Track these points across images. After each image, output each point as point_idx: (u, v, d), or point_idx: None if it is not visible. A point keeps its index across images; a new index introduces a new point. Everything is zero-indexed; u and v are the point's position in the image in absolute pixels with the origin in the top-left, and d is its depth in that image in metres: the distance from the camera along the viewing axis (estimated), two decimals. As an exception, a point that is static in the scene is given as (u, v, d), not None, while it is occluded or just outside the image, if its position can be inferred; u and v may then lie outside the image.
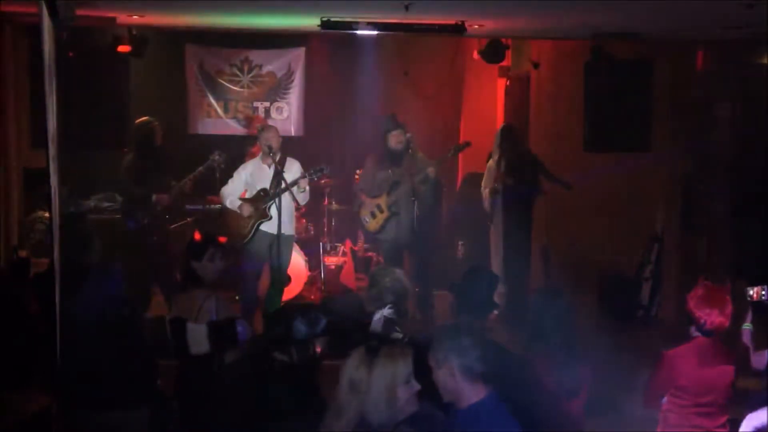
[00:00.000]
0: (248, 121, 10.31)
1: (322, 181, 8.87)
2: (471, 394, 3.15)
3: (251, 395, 3.92)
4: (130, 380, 4.78)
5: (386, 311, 4.56)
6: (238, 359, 4.68)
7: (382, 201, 8.04)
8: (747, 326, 4.68)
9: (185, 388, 5.02)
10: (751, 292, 4.69)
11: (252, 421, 3.83)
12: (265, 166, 7.67)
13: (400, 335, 4.52)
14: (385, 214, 8.04)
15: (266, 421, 3.81)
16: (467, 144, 8.40)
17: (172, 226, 8.26)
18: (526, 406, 3.57)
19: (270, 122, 9.66)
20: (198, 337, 4.89)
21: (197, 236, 5.43)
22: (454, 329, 3.32)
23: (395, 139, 7.95)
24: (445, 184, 9.60)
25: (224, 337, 4.87)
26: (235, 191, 7.77)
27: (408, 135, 8.01)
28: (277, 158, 7.65)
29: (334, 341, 4.54)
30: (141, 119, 8.13)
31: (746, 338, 4.67)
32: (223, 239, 5.66)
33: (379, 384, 3.25)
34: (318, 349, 4.06)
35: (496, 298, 8.23)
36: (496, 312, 7.98)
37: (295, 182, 7.45)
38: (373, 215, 8.10)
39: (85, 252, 5.59)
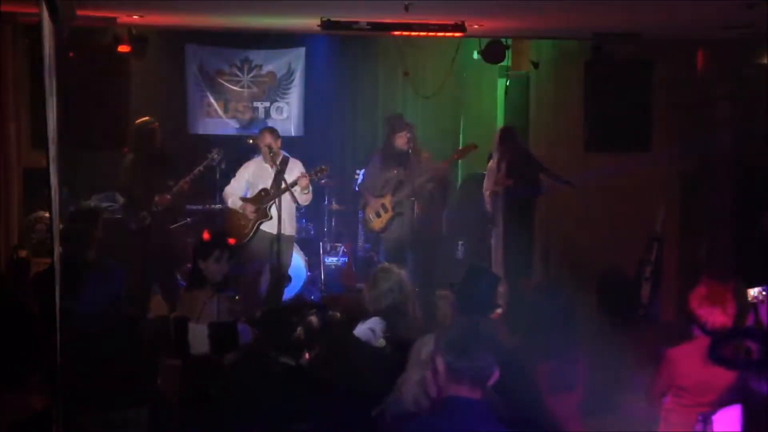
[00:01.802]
0: (248, 121, 10.31)
1: (323, 181, 8.88)
2: (452, 391, 3.10)
3: (253, 399, 3.91)
4: (130, 380, 4.78)
5: (373, 325, 4.52)
6: (240, 361, 4.66)
7: (387, 201, 8.06)
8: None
9: (186, 388, 5.01)
10: (752, 293, 4.67)
11: (257, 423, 3.83)
12: (267, 166, 7.69)
13: (384, 343, 4.45)
14: (390, 213, 8.07)
15: (271, 423, 3.80)
16: (473, 146, 8.40)
17: (172, 226, 8.25)
18: (519, 405, 3.57)
19: (270, 122, 9.66)
20: (199, 338, 4.88)
21: (206, 236, 5.41)
22: (456, 328, 3.31)
23: (402, 140, 7.95)
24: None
25: (225, 339, 4.86)
26: (237, 191, 7.78)
27: (409, 135, 8.02)
28: (279, 159, 7.66)
29: (332, 341, 4.54)
30: (141, 119, 8.12)
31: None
32: (232, 241, 5.64)
33: (414, 362, 3.36)
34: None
35: (498, 298, 8.21)
36: (499, 311, 7.97)
37: (294, 183, 7.47)
38: (378, 214, 8.12)
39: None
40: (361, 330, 4.60)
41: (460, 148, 8.39)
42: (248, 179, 7.78)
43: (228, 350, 4.87)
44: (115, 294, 4.88)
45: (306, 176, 7.55)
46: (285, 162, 7.73)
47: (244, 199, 7.72)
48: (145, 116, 8.16)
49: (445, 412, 3.07)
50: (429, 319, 7.85)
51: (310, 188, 7.61)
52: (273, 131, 7.84)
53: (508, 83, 10.14)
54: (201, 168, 7.93)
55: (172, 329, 4.79)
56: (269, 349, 3.90)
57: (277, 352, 3.88)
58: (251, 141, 8.62)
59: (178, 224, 8.38)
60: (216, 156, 8.02)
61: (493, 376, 3.07)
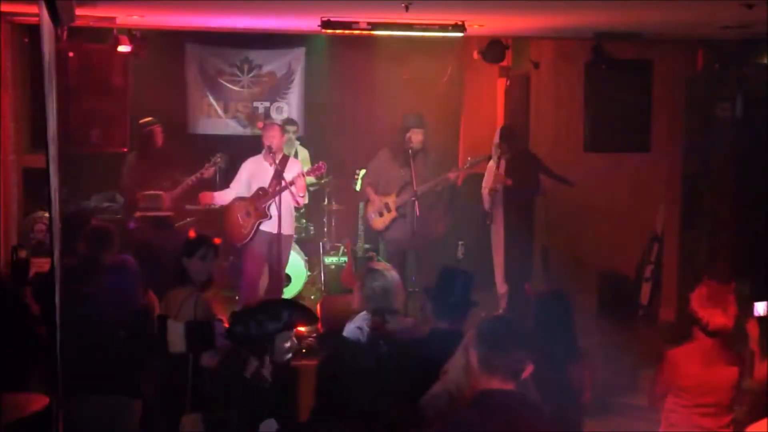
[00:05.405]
0: (248, 121, 10.31)
1: (322, 181, 8.87)
2: (485, 384, 3.13)
3: (226, 398, 3.94)
4: (130, 371, 4.82)
5: (360, 323, 4.52)
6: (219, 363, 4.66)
7: (391, 200, 8.00)
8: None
9: (163, 386, 5.01)
10: (759, 308, 4.67)
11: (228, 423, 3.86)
12: (267, 164, 7.66)
13: (384, 348, 4.42)
14: (393, 214, 7.99)
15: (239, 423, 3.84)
16: (486, 158, 8.39)
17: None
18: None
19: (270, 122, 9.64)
20: (176, 336, 4.87)
21: (192, 234, 5.40)
22: (490, 321, 3.32)
23: (416, 138, 7.90)
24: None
25: (201, 337, 4.85)
26: (237, 189, 7.76)
27: (422, 135, 7.99)
28: (279, 158, 7.64)
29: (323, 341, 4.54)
30: (144, 120, 8.12)
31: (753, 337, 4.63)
32: (218, 240, 5.62)
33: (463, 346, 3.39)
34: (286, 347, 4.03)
35: (498, 299, 8.21)
36: (500, 311, 7.91)
37: (292, 182, 7.46)
38: (380, 213, 8.05)
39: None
40: (350, 329, 4.60)
41: (473, 160, 8.34)
42: (247, 177, 7.75)
43: (204, 349, 4.86)
44: (132, 291, 4.92)
45: (302, 177, 7.53)
46: (285, 160, 7.71)
47: (244, 198, 7.69)
48: (145, 116, 8.16)
49: (480, 406, 3.11)
50: (426, 319, 7.87)
51: (307, 192, 7.60)
52: (276, 129, 7.79)
53: (508, 83, 10.15)
54: (203, 170, 7.95)
55: (155, 327, 4.81)
56: (243, 350, 3.93)
57: (248, 352, 3.91)
58: (262, 125, 8.57)
59: (178, 224, 8.38)
60: (219, 159, 8.02)
61: (527, 370, 3.13)
